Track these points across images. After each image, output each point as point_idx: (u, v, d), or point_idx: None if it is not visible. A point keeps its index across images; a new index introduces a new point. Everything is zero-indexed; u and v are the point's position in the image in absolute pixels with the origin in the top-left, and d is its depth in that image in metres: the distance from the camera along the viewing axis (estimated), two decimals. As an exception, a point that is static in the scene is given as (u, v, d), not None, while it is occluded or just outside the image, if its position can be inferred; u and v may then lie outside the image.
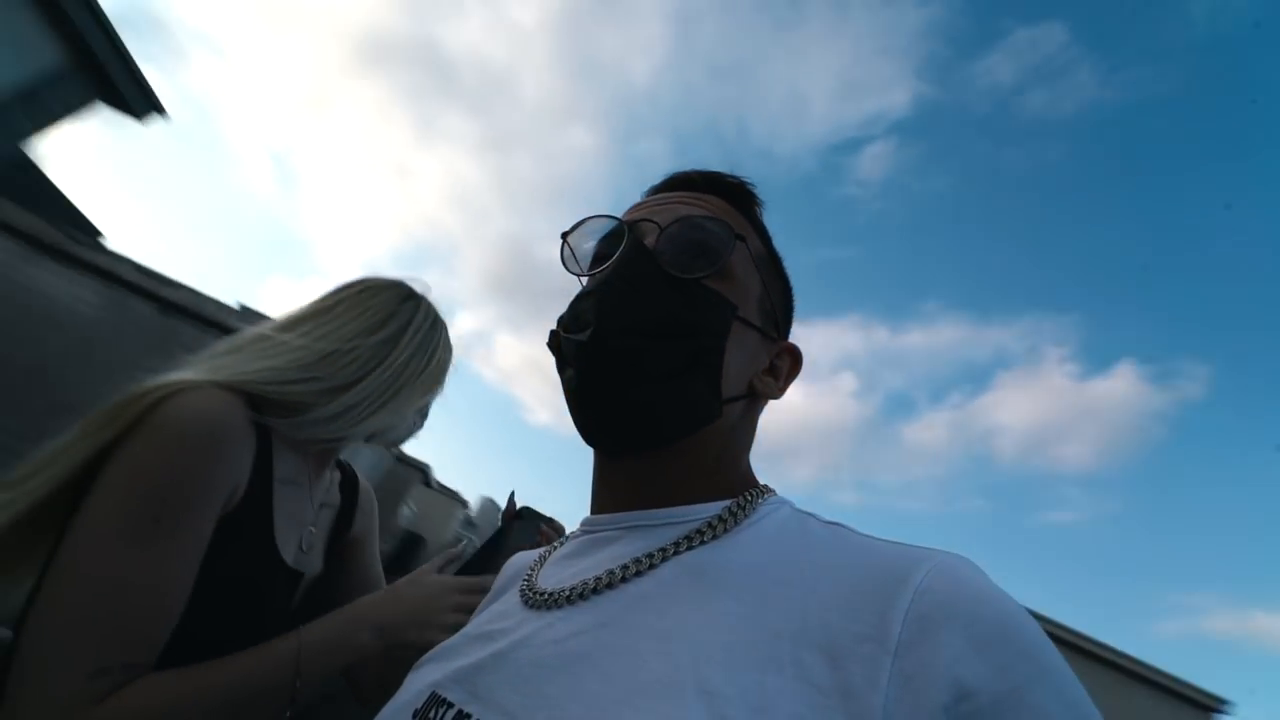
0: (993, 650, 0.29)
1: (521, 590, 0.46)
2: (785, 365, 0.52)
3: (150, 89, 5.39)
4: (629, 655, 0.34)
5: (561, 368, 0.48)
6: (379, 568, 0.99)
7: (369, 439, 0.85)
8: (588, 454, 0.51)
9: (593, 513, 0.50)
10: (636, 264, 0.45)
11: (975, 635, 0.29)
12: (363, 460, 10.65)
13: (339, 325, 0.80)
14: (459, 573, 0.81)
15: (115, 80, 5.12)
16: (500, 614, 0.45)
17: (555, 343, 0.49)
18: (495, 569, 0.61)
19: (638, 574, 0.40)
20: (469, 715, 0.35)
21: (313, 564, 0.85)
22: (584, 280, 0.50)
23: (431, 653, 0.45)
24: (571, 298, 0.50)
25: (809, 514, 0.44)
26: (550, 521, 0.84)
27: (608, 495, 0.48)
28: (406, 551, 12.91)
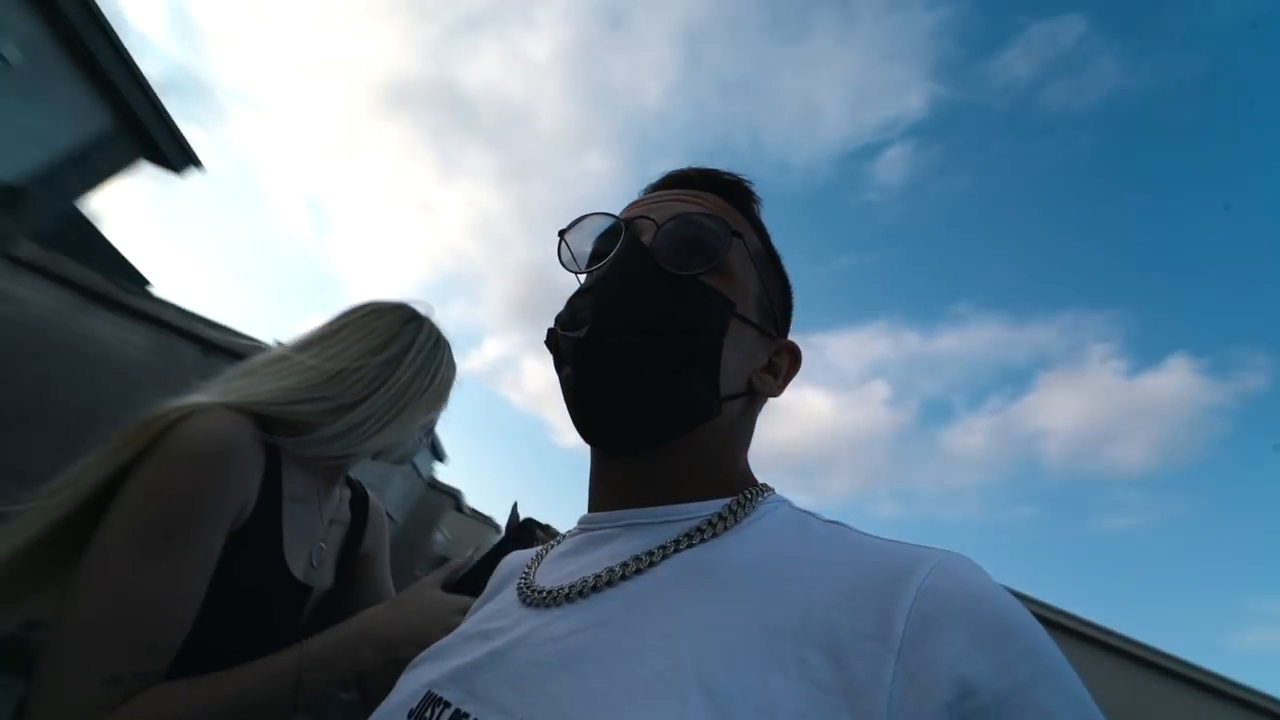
0: (996, 648, 0.29)
1: (519, 588, 0.46)
2: (784, 363, 0.51)
3: (188, 145, 5.76)
4: (630, 653, 0.33)
5: (559, 366, 0.48)
6: (389, 582, 1.01)
7: (376, 456, 0.88)
8: None
9: (590, 511, 0.49)
10: (633, 261, 0.45)
11: (978, 633, 0.29)
12: (396, 488, 10.87)
13: (345, 347, 0.83)
14: (461, 580, 0.82)
15: (157, 140, 5.50)
16: (497, 612, 0.45)
17: (553, 341, 0.49)
18: None
19: (637, 572, 0.39)
20: (467, 715, 0.34)
21: (323, 578, 0.86)
22: (581, 278, 0.50)
23: (426, 652, 0.45)
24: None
25: (808, 513, 0.44)
26: (547, 529, 0.85)
27: (605, 493, 0.48)
28: (441, 577, 12.94)
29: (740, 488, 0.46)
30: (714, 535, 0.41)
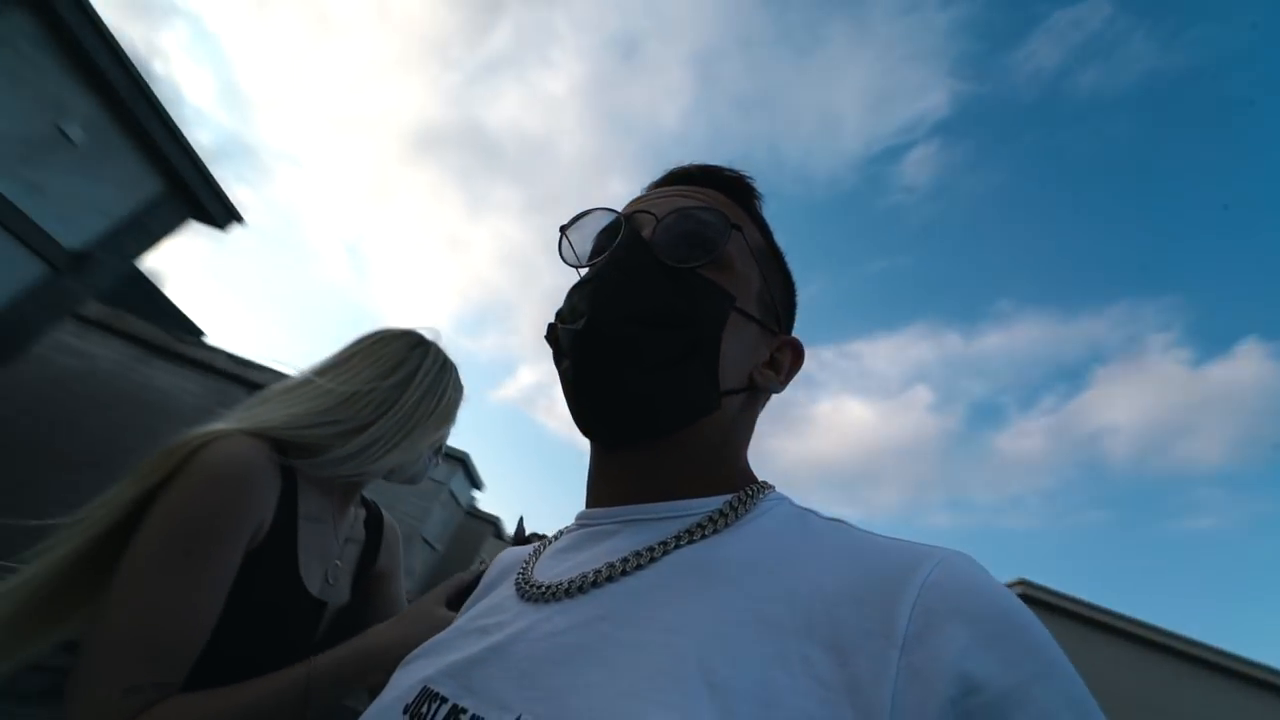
0: (1000, 645, 0.29)
1: (517, 583, 0.45)
2: (786, 359, 0.51)
3: (231, 204, 6.24)
4: (632, 648, 0.33)
5: (558, 359, 0.48)
6: (403, 599, 1.04)
7: (389, 476, 0.92)
8: None
9: (589, 506, 0.49)
10: (632, 254, 0.45)
11: (982, 630, 0.29)
12: (436, 517, 11.11)
13: (355, 372, 0.87)
14: (465, 595, 0.83)
15: (203, 200, 6.00)
16: (494, 608, 0.44)
17: (553, 335, 0.49)
18: None
19: (638, 568, 0.39)
20: (464, 710, 0.34)
21: (339, 595, 0.89)
22: (582, 272, 0.50)
23: (422, 648, 0.44)
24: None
25: (809, 510, 0.44)
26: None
27: (604, 488, 0.48)
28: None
29: (741, 484, 0.46)
30: (714, 532, 0.41)
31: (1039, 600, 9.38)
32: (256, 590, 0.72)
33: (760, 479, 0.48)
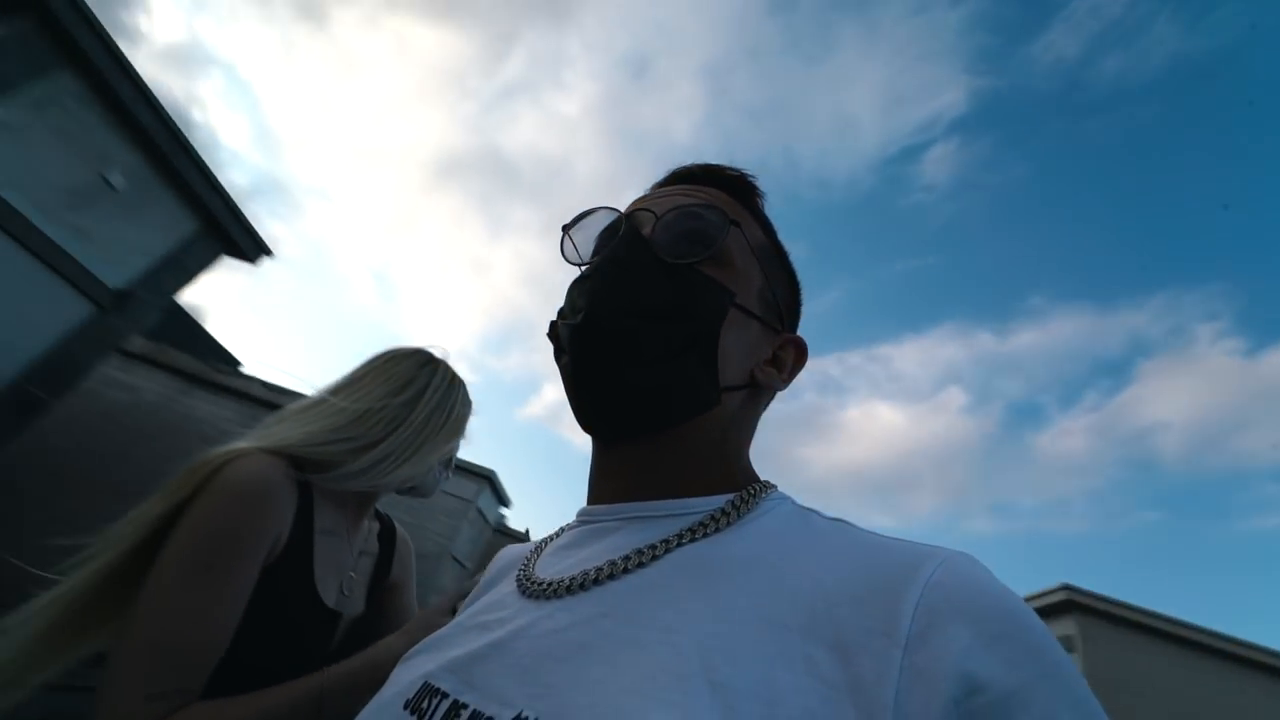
0: (1003, 645, 0.29)
1: (518, 580, 0.45)
2: (789, 357, 0.51)
3: (260, 238, 6.55)
4: (633, 645, 0.33)
5: (558, 355, 0.48)
6: (415, 609, 1.07)
7: (403, 491, 0.97)
8: None
9: (589, 503, 0.49)
10: (631, 250, 0.45)
11: (985, 630, 0.29)
12: (464, 535, 11.24)
13: (367, 391, 0.91)
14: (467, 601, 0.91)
15: (234, 236, 6.31)
16: (495, 604, 0.44)
17: (554, 332, 0.49)
18: None
19: (640, 565, 0.39)
20: (465, 705, 0.34)
21: (354, 606, 0.93)
22: (583, 270, 0.50)
23: (423, 644, 0.45)
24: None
25: (811, 510, 0.44)
26: None
27: (605, 485, 0.48)
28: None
29: (743, 483, 0.46)
30: (716, 530, 0.41)
31: (1083, 605, 9.00)
32: (274, 602, 0.75)
33: (763, 479, 0.48)
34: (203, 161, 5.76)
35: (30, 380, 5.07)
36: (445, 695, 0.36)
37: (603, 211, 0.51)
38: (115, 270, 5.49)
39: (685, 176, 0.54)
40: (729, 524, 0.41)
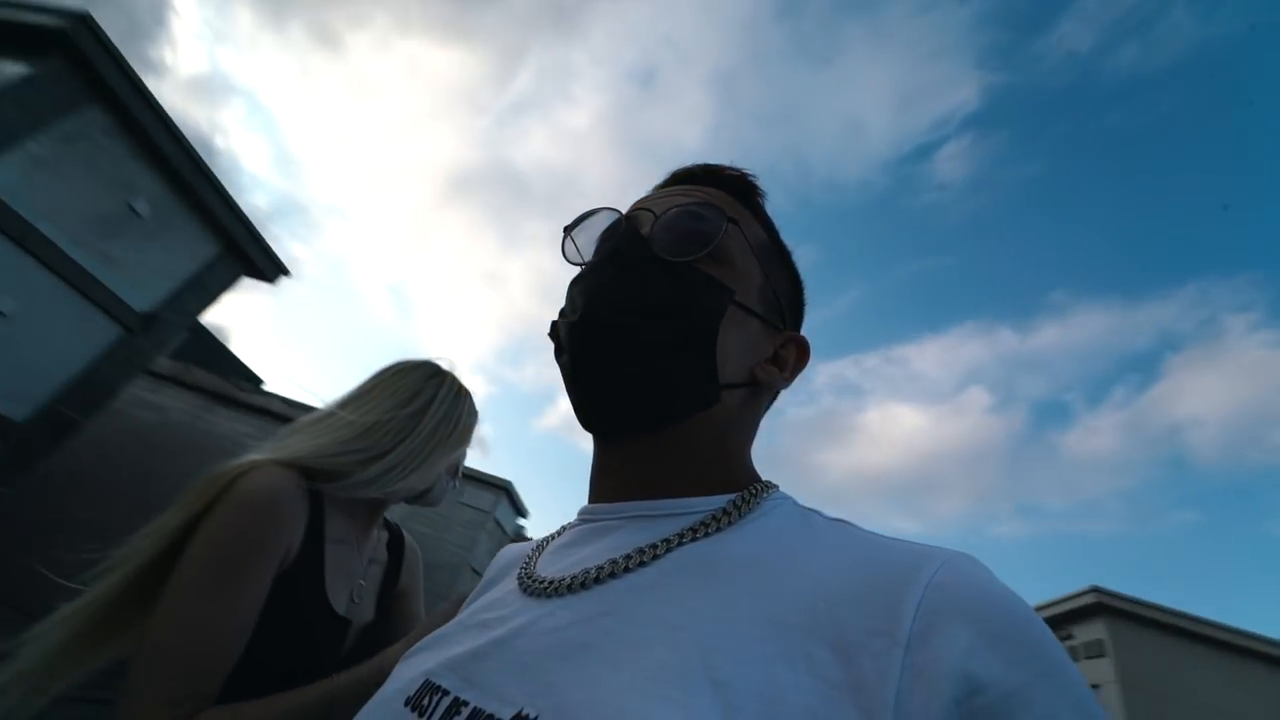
0: (1004, 646, 0.29)
1: (519, 578, 0.45)
2: (791, 356, 0.51)
3: (278, 259, 6.77)
4: (635, 643, 0.33)
5: (559, 354, 0.48)
6: (423, 617, 1.05)
7: (412, 501, 0.99)
8: None
9: (591, 502, 0.49)
10: (629, 248, 0.46)
11: (987, 630, 0.29)
12: (482, 546, 11.32)
13: (376, 403, 0.93)
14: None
15: (253, 257, 6.52)
16: (496, 602, 0.44)
17: (555, 331, 0.49)
18: None
19: (641, 564, 0.39)
20: (465, 702, 0.34)
21: (364, 613, 0.93)
22: (582, 269, 0.51)
23: (424, 641, 0.45)
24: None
25: (813, 510, 0.44)
26: None
27: (606, 483, 0.48)
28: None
29: (744, 483, 0.46)
30: (718, 530, 0.41)
31: (1113, 609, 8.78)
32: (287, 608, 0.77)
33: (768, 479, 0.48)
34: (223, 187, 5.98)
35: (62, 402, 5.28)
36: (446, 693, 0.36)
37: (604, 212, 0.51)
38: (142, 294, 5.70)
39: (685, 177, 0.54)
40: (730, 523, 0.41)
